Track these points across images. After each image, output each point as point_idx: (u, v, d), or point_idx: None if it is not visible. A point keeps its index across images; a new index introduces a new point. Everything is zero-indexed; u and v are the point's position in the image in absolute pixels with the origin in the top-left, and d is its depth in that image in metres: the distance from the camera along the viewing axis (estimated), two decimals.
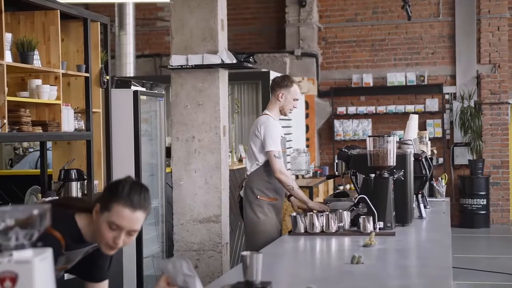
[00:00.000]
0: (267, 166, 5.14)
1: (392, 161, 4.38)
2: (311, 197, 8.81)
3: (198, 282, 2.50)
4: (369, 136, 4.47)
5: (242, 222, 7.54)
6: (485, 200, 12.22)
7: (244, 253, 2.72)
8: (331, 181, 11.14)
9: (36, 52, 4.91)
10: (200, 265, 5.69)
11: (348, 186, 12.16)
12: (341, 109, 12.91)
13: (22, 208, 1.77)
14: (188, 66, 5.67)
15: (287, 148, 9.78)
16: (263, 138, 5.09)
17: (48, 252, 1.80)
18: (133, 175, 6.29)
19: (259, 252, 2.76)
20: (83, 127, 5.55)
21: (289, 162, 9.72)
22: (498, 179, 12.56)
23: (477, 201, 12.20)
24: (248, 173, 5.27)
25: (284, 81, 5.27)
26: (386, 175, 4.40)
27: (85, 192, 5.57)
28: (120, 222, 2.55)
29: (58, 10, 5.16)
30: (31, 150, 8.65)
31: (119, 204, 2.54)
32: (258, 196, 5.17)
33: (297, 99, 5.31)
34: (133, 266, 6.24)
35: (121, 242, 2.58)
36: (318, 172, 10.84)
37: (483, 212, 12.24)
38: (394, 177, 4.45)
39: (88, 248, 2.75)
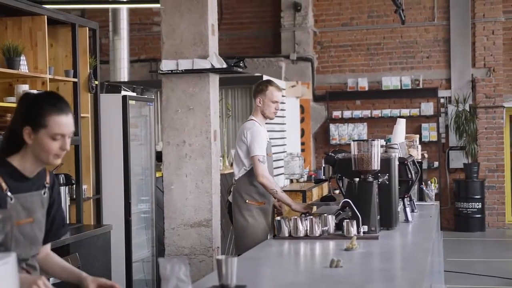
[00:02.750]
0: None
1: (376, 165, 4.39)
2: (304, 201, 8.82)
3: None
4: (353, 140, 4.49)
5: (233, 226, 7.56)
6: (480, 203, 12.23)
7: (219, 257, 2.74)
8: (325, 185, 11.14)
9: (22, 57, 4.93)
10: (191, 270, 5.69)
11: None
12: (336, 113, 12.93)
13: None
14: (178, 71, 5.69)
15: (281, 152, 9.84)
16: (249, 143, 5.21)
17: (12, 257, 1.81)
18: (122, 179, 6.33)
19: (234, 256, 2.77)
20: None
21: (282, 167, 9.75)
22: (493, 183, 12.57)
23: (472, 204, 12.21)
24: (236, 178, 5.37)
25: (259, 86, 5.42)
26: (370, 179, 4.40)
27: (74, 197, 5.59)
28: (62, 130, 2.67)
29: (45, 16, 5.19)
30: None
31: (52, 116, 2.65)
32: (247, 201, 5.28)
33: (276, 101, 5.39)
34: (122, 270, 6.25)
35: (67, 146, 2.70)
36: (313, 176, 10.84)
37: (479, 215, 12.24)
38: (378, 181, 4.46)
39: (40, 192, 2.76)
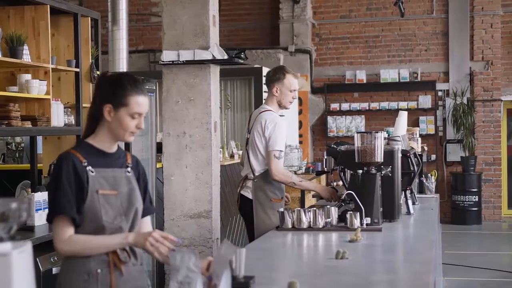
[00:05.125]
0: None
1: (379, 157, 4.39)
2: (302, 193, 8.82)
3: (200, 280, 2.54)
4: (357, 132, 4.48)
5: (232, 217, 7.57)
6: (477, 197, 12.27)
7: None
8: (323, 177, 11.17)
9: (25, 46, 4.92)
10: None
11: (340, 183, 12.20)
12: (334, 106, 12.94)
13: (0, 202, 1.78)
14: (179, 62, 5.67)
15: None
16: (269, 136, 4.96)
17: (28, 246, 1.81)
18: None
19: (242, 247, 2.78)
20: (73, 122, 5.56)
21: None
22: (490, 176, 12.61)
23: (469, 197, 12.25)
24: (256, 174, 5.10)
25: (276, 74, 5.12)
26: (373, 171, 4.40)
27: None
28: (141, 110, 2.84)
29: (48, 5, 5.16)
30: (23, 145, 8.65)
31: (133, 96, 2.83)
32: (272, 199, 5.07)
33: (294, 90, 5.12)
34: None
35: (143, 125, 2.87)
36: (311, 168, 10.85)
37: (475, 208, 12.28)
38: (381, 173, 4.46)
39: (123, 170, 2.90)
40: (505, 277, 8.19)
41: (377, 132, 4.43)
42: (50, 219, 2.80)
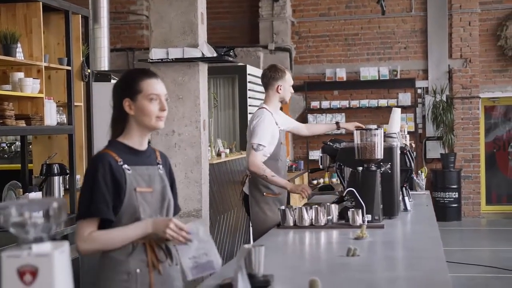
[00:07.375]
0: (270, 161, 5.07)
1: (379, 154, 4.39)
2: (287, 194, 8.79)
3: (214, 247, 2.52)
4: (356, 129, 4.48)
5: (220, 216, 7.53)
6: (456, 193, 12.37)
7: (247, 246, 2.71)
8: (305, 175, 11.19)
9: (18, 44, 4.83)
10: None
11: (322, 180, 12.21)
12: (314, 104, 12.95)
13: (40, 201, 1.74)
14: (168, 60, 5.63)
15: None
16: (253, 129, 5.05)
17: (66, 246, 1.78)
18: None
19: (262, 245, 2.75)
20: (65, 121, 5.48)
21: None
22: (469, 173, 12.71)
23: (449, 194, 12.34)
24: (250, 170, 5.11)
25: (278, 73, 5.23)
26: (373, 168, 4.40)
27: (67, 187, 5.51)
28: (155, 90, 2.82)
29: (40, 2, 5.08)
30: (4, 144, 8.54)
31: (144, 80, 2.83)
32: (264, 193, 5.11)
33: (291, 84, 5.34)
34: None
35: (165, 106, 2.83)
36: (294, 166, 10.87)
37: (455, 205, 12.39)
38: (381, 170, 4.46)
39: (156, 167, 2.88)
40: (488, 272, 8.28)
41: (377, 129, 4.42)
42: (81, 219, 2.74)
